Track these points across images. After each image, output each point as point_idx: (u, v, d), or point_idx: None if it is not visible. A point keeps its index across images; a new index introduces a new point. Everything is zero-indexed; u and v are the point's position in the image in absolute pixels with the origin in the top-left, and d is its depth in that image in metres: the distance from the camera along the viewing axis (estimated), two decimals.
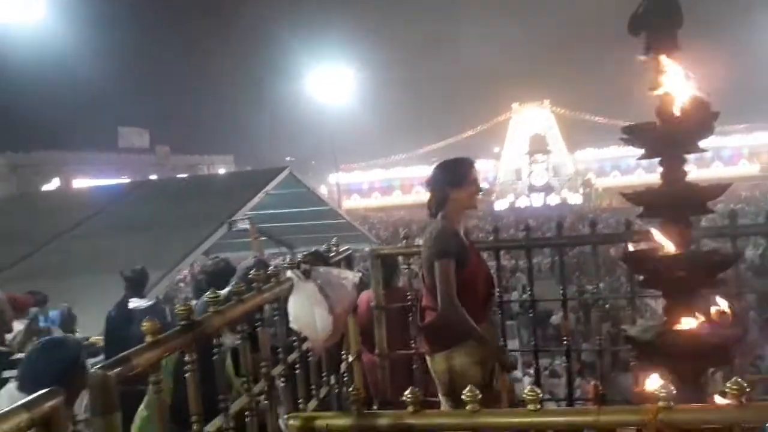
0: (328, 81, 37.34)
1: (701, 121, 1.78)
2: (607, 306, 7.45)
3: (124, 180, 25.17)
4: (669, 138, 1.80)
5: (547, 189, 43.94)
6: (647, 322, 2.01)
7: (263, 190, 10.59)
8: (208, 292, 1.81)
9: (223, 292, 2.24)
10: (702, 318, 1.85)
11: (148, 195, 12.20)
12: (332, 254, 2.78)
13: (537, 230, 26.17)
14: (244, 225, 9.56)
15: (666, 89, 1.78)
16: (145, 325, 1.44)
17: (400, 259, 3.46)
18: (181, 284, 16.13)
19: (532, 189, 44.50)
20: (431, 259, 2.66)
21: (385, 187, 54.70)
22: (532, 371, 4.49)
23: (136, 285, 5.17)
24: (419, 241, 2.98)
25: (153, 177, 31.14)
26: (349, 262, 3.03)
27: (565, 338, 3.24)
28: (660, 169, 1.87)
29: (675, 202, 1.85)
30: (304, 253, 2.55)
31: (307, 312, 2.24)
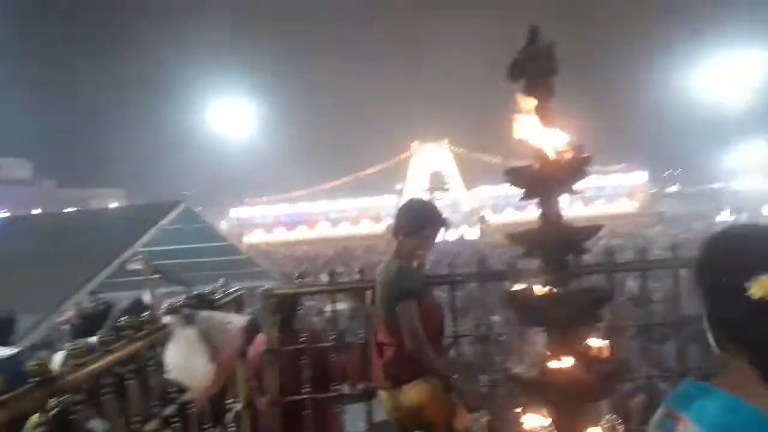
0: (229, 114, 36.68)
1: (575, 164, 1.87)
2: (501, 340, 7.62)
3: (3, 214, 23.09)
4: (545, 181, 1.87)
5: (446, 225, 45.45)
6: (533, 359, 2.05)
7: (157, 225, 10.08)
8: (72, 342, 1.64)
9: (93, 339, 2.04)
10: (582, 355, 1.91)
11: (28, 231, 11.22)
12: (218, 296, 2.64)
13: (437, 264, 26.99)
14: (136, 265, 9.00)
15: (539, 135, 1.86)
16: None
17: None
18: (65, 327, 14.86)
19: None
20: (392, 300, 2.65)
21: (289, 221, 53.99)
22: None
23: (1, 332, 4.65)
24: (324, 278, 2.93)
25: (36, 212, 28.81)
26: (239, 304, 2.89)
27: (457, 375, 3.25)
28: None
29: (552, 243, 1.92)
30: (186, 296, 2.39)
31: (186, 360, 2.09)
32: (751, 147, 38.28)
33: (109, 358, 1.71)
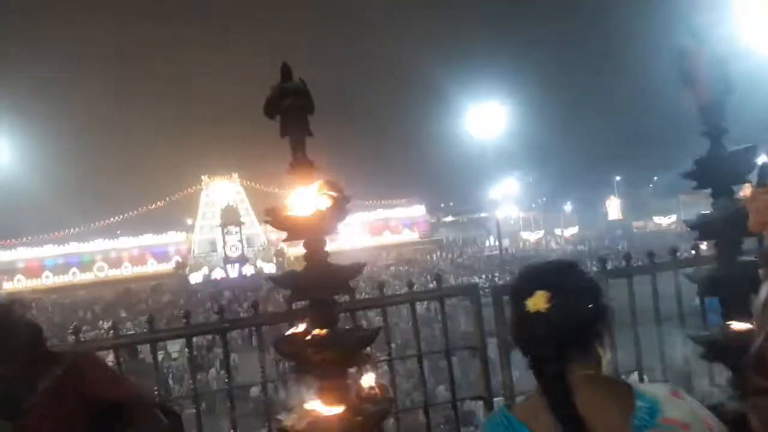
0: None
1: (335, 206, 1.85)
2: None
3: None
4: (306, 225, 1.83)
5: (242, 260, 44.48)
6: (304, 409, 1.96)
7: None
8: None
9: None
10: (351, 398, 1.88)
11: None
12: None
13: (235, 301, 25.97)
14: None
15: (296, 181, 1.84)
16: None
17: None
18: None
19: (227, 260, 44.38)
20: None
21: (59, 264, 47.64)
22: None
23: None
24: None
25: None
26: None
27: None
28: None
29: (319, 284, 1.87)
30: None
31: None
32: (506, 182, 44.33)
33: None
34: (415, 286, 3.13)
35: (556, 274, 1.21)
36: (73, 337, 2.53)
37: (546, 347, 1.12)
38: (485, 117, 31.37)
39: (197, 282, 40.40)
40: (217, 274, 42.77)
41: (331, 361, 1.83)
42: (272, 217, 1.84)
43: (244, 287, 32.29)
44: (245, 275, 41.71)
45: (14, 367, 1.78)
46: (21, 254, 46.97)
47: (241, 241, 45.52)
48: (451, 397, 3.08)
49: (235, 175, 49.18)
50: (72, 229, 48.82)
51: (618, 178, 58.91)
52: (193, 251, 47.10)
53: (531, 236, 54.99)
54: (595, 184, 59.31)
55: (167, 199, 51.25)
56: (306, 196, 1.83)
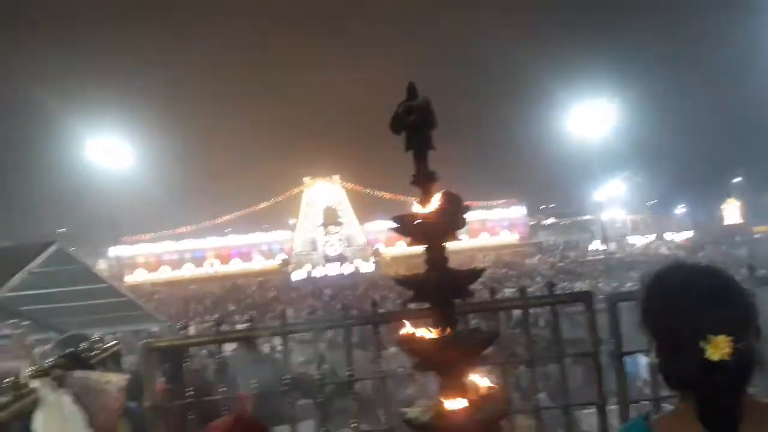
0: (110, 150, 34.65)
1: (455, 213, 1.98)
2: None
3: None
4: (429, 230, 1.96)
5: (341, 259, 45.88)
6: (427, 403, 2.09)
7: (23, 270, 9.25)
8: None
9: None
10: (472, 396, 1.98)
11: None
12: (94, 353, 2.45)
13: (334, 298, 26.85)
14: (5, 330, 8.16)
15: (422, 191, 1.98)
16: None
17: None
18: None
19: (327, 259, 45.96)
20: None
21: (175, 259, 51.40)
22: None
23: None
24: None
25: None
26: (117, 360, 2.69)
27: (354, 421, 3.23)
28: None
29: (439, 288, 2.00)
30: (56, 356, 2.19)
31: (60, 429, 1.91)
32: (613, 183, 42.28)
33: None
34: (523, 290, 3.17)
35: (726, 301, 1.07)
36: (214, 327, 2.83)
37: (728, 395, 1.03)
38: (591, 115, 30.23)
39: (299, 279, 41.99)
40: (318, 272, 44.23)
41: (454, 360, 1.94)
42: (399, 223, 2.00)
43: (343, 285, 33.15)
44: (344, 274, 42.92)
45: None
46: (141, 250, 51.01)
47: (340, 240, 46.91)
48: (559, 403, 3.11)
49: (336, 177, 50.72)
50: (188, 227, 52.44)
51: (737, 179, 54.53)
52: (295, 250, 49.03)
53: (639, 240, 52.12)
54: (710, 185, 55.27)
55: (272, 199, 53.69)
56: (429, 206, 1.97)
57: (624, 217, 52.84)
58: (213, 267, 50.34)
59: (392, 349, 4.51)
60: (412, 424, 1.98)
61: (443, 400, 1.95)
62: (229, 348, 5.31)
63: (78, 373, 2.08)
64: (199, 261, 50.91)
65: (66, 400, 1.94)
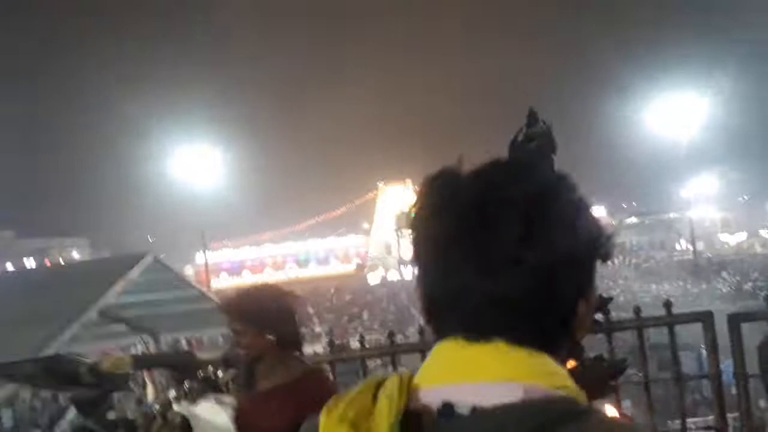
0: (193, 159, 36.30)
1: None
2: None
3: None
4: None
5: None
6: None
7: (124, 278, 9.91)
8: None
9: None
10: None
11: None
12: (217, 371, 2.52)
13: (411, 303, 26.93)
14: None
15: None
16: None
17: None
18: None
19: (401, 262, 46.09)
20: None
21: (256, 265, 53.25)
22: None
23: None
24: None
25: None
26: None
27: None
28: None
29: None
30: (190, 382, 2.26)
31: None
32: (701, 179, 39.95)
33: None
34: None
35: None
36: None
37: None
38: (680, 110, 28.74)
39: (375, 283, 42.39)
40: (392, 276, 44.47)
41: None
42: None
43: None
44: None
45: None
46: (225, 255, 53.14)
47: None
48: (680, 426, 2.98)
49: (409, 181, 50.88)
50: (267, 233, 54.27)
51: None
52: (370, 254, 49.55)
53: (731, 239, 48.98)
54: None
55: (348, 205, 54.58)
56: None
57: (713, 215, 49.83)
58: (293, 271, 51.71)
59: None
60: None
61: None
62: None
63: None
64: (278, 265, 52.46)
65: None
